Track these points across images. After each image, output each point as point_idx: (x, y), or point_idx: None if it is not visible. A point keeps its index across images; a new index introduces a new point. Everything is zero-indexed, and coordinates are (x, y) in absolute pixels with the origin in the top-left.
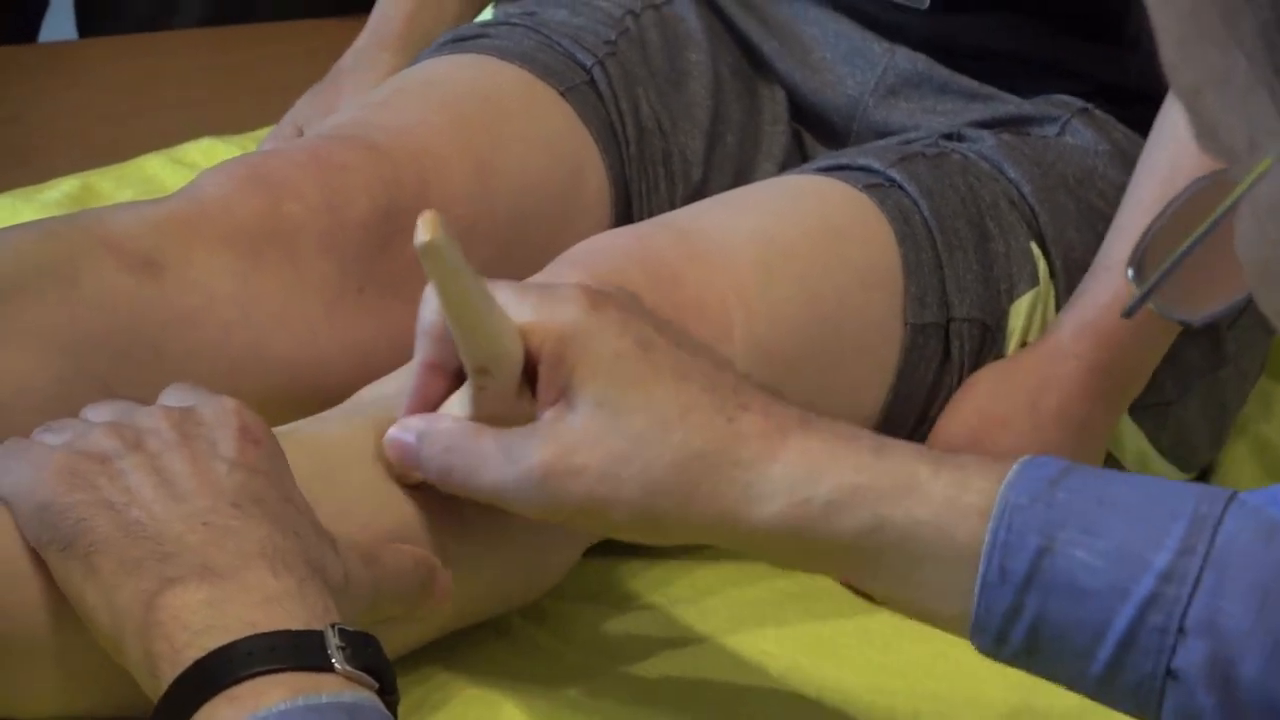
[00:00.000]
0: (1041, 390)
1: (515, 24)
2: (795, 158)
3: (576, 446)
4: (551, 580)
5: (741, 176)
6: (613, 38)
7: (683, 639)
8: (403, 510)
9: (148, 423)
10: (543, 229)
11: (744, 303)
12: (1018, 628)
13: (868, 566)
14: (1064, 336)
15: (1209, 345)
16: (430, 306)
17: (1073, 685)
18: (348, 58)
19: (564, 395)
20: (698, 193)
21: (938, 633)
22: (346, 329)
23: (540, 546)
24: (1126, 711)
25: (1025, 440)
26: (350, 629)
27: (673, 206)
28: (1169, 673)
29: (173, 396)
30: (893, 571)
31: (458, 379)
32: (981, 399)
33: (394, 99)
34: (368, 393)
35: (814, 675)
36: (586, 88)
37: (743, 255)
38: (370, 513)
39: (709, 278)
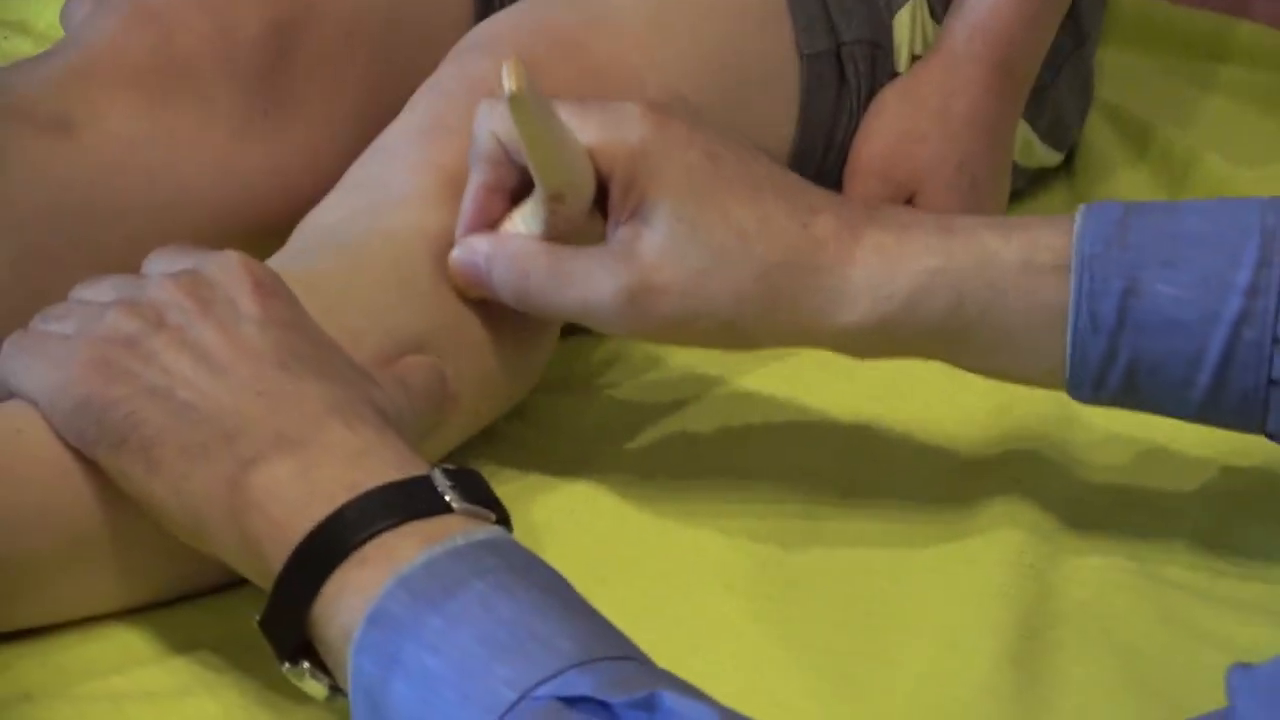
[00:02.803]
0: (948, 99)
1: None
2: None
3: (659, 265)
4: (537, 376)
5: None
6: None
7: (659, 410)
8: (410, 329)
9: (160, 295)
10: (415, 23)
11: (649, 60)
12: (1114, 371)
13: (957, 345)
14: (958, 42)
15: (1071, 25)
16: (484, 132)
17: (1175, 414)
18: None
19: (637, 214)
20: None
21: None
22: (259, 155)
23: (528, 342)
24: (1232, 428)
25: (942, 149)
26: (452, 467)
27: None
28: (1271, 382)
29: (162, 262)
30: (982, 345)
31: (514, 199)
32: (892, 118)
33: None
34: (310, 223)
35: (796, 409)
36: None
37: (637, 14)
38: (382, 338)
39: (612, 42)
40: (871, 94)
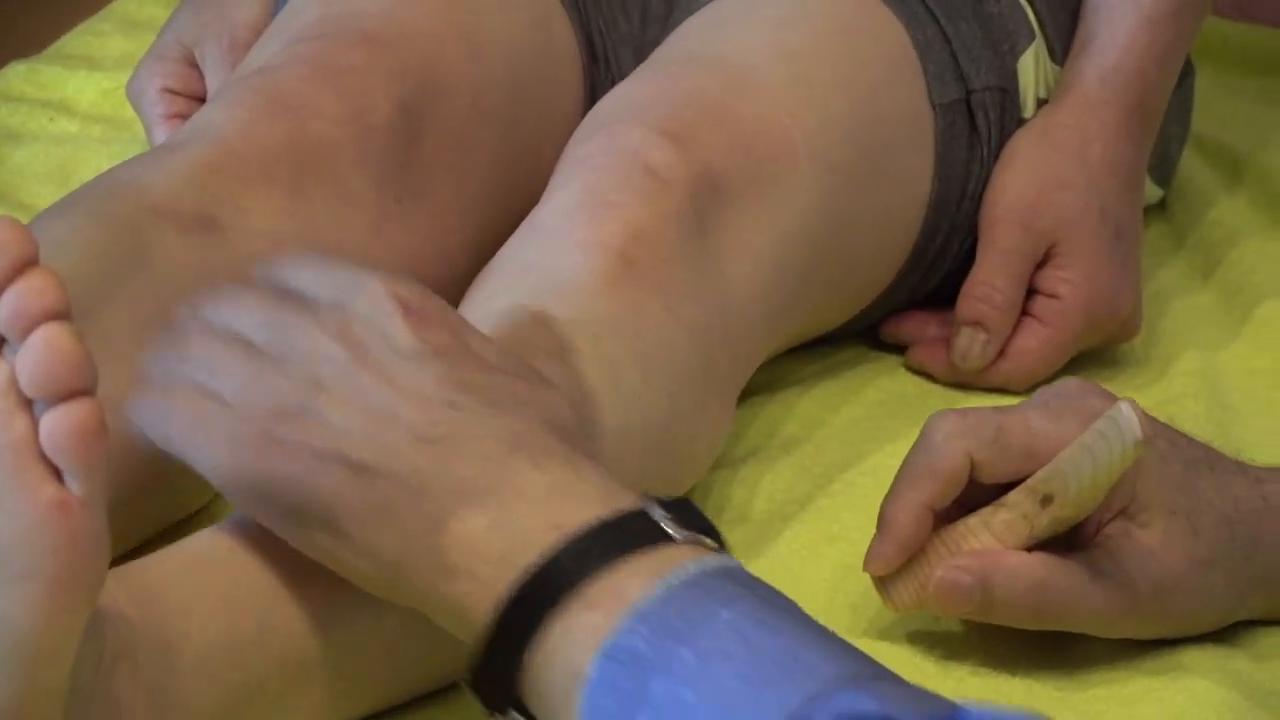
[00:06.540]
0: (1085, 144)
1: None
2: None
3: (1174, 561)
4: None
5: None
6: None
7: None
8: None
9: (311, 345)
10: (533, 95)
11: (798, 123)
12: None
13: None
14: (1090, 86)
15: None
16: (958, 450)
17: None
18: None
19: (1126, 510)
20: (645, 16)
21: None
22: (393, 244)
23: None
24: None
25: (1085, 196)
26: (664, 496)
27: (634, 39)
28: None
29: (307, 277)
30: None
31: (942, 519)
32: (1028, 165)
33: None
34: (474, 313)
35: None
36: None
37: (778, 75)
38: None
39: (759, 106)
40: (1002, 141)
